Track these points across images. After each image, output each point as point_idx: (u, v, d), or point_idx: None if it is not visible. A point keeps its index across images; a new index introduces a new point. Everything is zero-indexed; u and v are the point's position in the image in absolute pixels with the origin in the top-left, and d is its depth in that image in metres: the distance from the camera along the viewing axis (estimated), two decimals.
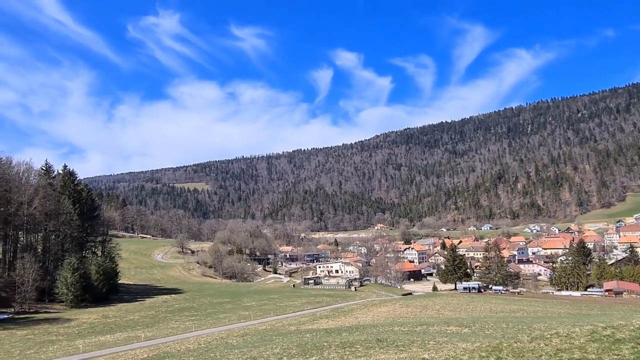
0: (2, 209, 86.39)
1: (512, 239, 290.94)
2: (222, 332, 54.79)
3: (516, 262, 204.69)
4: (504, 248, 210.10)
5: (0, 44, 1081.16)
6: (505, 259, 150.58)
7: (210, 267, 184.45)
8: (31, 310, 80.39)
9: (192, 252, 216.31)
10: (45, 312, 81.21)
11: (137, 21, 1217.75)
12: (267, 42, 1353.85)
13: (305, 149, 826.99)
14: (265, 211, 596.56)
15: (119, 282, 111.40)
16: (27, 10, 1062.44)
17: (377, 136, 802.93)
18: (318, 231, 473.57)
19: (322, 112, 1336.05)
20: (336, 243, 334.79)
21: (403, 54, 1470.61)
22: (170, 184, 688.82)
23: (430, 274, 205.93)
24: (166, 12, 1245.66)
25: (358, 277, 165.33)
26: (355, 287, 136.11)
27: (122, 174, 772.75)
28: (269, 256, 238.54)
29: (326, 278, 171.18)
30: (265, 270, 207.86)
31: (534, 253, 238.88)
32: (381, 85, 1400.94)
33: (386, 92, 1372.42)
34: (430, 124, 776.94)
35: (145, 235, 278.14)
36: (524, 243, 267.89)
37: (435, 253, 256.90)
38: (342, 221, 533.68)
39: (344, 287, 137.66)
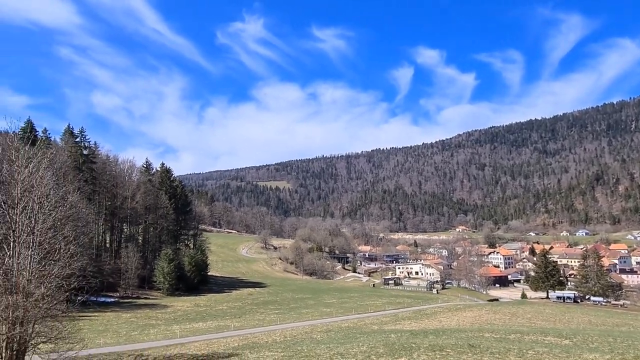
0: (109, 203, 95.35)
1: (612, 246, 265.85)
2: (306, 327, 56.10)
3: (617, 271, 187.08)
4: (603, 256, 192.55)
5: (109, 54, 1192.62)
6: (605, 268, 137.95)
7: (291, 263, 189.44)
8: (133, 296, 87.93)
9: (275, 248, 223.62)
10: (145, 298, 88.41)
11: (226, 27, 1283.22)
12: (347, 42, 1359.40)
13: (385, 148, 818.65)
14: (344, 210, 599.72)
15: (208, 274, 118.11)
16: (131, 23, 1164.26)
17: (460, 135, 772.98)
18: (397, 232, 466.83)
19: (402, 111, 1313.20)
20: (415, 244, 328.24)
21: (489, 49, 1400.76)
22: (254, 182, 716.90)
23: (518, 281, 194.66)
24: (251, 18, 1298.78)
25: (439, 279, 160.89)
26: (437, 290, 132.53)
27: (210, 172, 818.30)
28: (348, 255, 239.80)
29: (406, 279, 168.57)
30: (344, 268, 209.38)
31: (638, 262, 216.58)
32: (464, 82, 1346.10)
33: (469, 89, 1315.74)
34: (518, 121, 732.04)
35: (231, 231, 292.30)
36: (627, 251, 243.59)
37: (524, 258, 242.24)
38: (422, 222, 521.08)
39: (425, 289, 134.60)
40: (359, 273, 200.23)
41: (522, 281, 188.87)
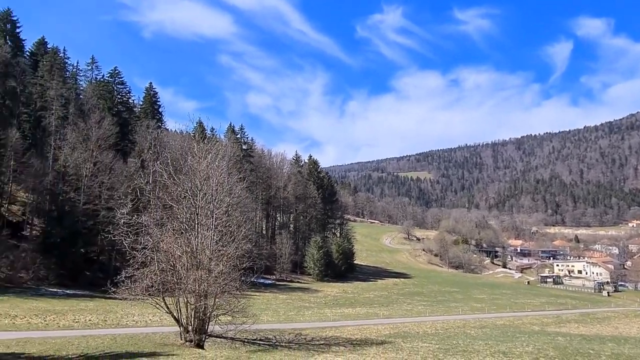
0: (264, 193, 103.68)
1: None
2: (457, 321, 53.85)
3: None
4: None
5: (260, 58, 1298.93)
6: None
7: (435, 255, 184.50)
8: (287, 279, 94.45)
9: (418, 239, 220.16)
10: (298, 282, 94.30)
11: (364, 21, 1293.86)
12: (492, 21, 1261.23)
13: (537, 134, 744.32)
14: (490, 201, 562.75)
15: (354, 262, 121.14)
16: (279, 27, 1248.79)
17: (632, 115, 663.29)
18: (553, 225, 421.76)
19: (558, 91, 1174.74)
20: (577, 240, 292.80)
21: None
22: (395, 173, 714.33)
23: None
24: (390, 8, 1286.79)
25: (609, 280, 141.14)
26: (608, 292, 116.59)
27: (351, 164, 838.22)
28: (497, 249, 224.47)
29: (567, 278, 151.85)
30: (493, 263, 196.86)
31: None
32: (638, 53, 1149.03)
33: None
34: None
35: (373, 221, 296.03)
36: None
37: None
38: (584, 215, 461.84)
39: (593, 291, 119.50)
40: (509, 269, 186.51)
41: None
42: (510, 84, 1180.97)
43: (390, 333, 42.11)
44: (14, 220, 66.27)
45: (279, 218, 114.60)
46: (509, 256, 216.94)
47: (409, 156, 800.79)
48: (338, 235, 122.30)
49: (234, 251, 26.15)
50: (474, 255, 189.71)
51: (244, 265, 27.20)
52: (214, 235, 26.10)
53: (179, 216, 26.84)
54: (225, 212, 27.40)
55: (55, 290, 54.68)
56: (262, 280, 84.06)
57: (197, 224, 26.33)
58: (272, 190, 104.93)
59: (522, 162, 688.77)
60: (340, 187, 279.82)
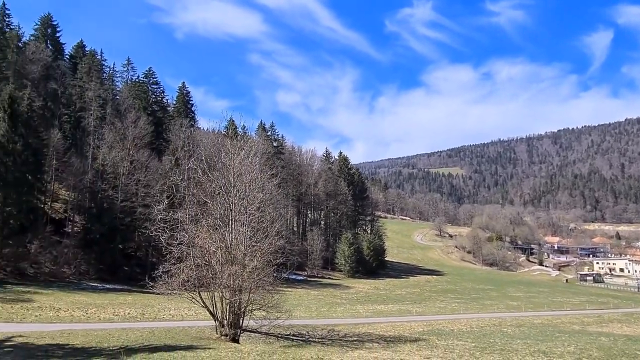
0: (295, 189, 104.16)
1: None
2: (493, 319, 52.67)
3: None
4: None
5: (290, 56, 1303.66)
6: None
7: (468, 252, 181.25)
8: (318, 275, 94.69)
9: (450, 235, 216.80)
10: (329, 278, 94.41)
11: (394, 15, 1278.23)
12: (526, 12, 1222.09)
13: (574, 128, 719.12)
14: (525, 197, 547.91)
15: (385, 259, 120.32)
16: (308, 24, 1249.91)
17: None
18: (592, 222, 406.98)
19: (597, 82, 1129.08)
20: (618, 237, 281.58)
21: None
22: (425, 169, 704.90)
23: None
24: (420, 2, 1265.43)
25: None
26: None
27: (381, 160, 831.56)
28: (532, 246, 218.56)
29: (607, 276, 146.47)
30: (528, 260, 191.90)
31: None
32: None
33: None
34: None
35: (404, 217, 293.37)
36: None
37: None
38: (625, 211, 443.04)
39: (636, 289, 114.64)
40: (546, 266, 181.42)
41: None
42: (546, 76, 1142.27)
43: (423, 330, 41.58)
44: (57, 217, 68.87)
45: (309, 215, 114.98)
46: (546, 253, 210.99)
47: (440, 152, 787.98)
48: (369, 231, 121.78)
49: (268, 247, 26.34)
50: (509, 253, 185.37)
51: (277, 261, 27.37)
52: (247, 231, 26.34)
53: (213, 212, 27.21)
54: (258, 209, 27.60)
55: (96, 284, 56.59)
56: (293, 277, 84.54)
57: (231, 219, 26.63)
58: (303, 187, 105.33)
59: (558, 157, 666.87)
60: (370, 184, 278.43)
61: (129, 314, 39.61)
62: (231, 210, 26.66)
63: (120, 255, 65.75)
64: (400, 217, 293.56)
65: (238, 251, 25.89)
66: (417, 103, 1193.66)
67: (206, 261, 26.43)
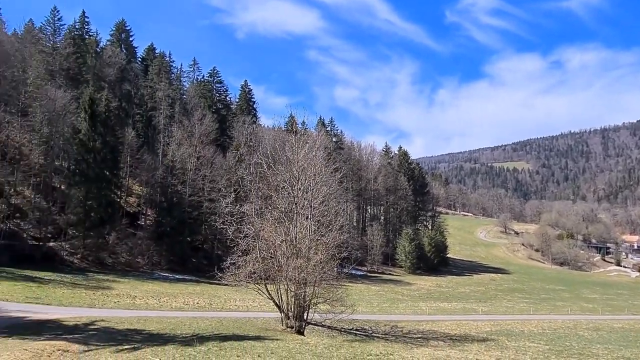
0: (355, 184, 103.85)
1: None
2: (567, 322, 49.72)
3: None
4: None
5: (347, 51, 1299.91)
6: None
7: (536, 250, 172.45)
8: (378, 271, 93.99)
9: (516, 233, 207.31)
10: (389, 274, 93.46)
11: (455, 5, 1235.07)
12: None
13: None
14: (599, 193, 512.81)
15: (447, 255, 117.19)
16: (365, 19, 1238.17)
17: None
18: None
19: None
20: None
21: None
22: (489, 164, 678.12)
23: None
24: None
25: None
26: None
27: (442, 155, 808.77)
28: (608, 245, 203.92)
29: None
30: (604, 260, 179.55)
31: None
32: None
33: None
34: None
35: (466, 214, 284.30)
36: None
37: None
38: None
39: None
40: (624, 267, 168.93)
41: None
42: (624, 62, 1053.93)
43: (491, 330, 40.06)
44: (131, 211, 73.28)
45: (369, 210, 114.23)
46: (624, 253, 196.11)
47: (505, 145, 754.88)
48: (429, 227, 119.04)
49: (332, 241, 26.40)
50: (581, 252, 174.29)
51: (342, 254, 27.40)
52: (312, 224, 26.55)
53: (278, 206, 27.68)
54: (322, 202, 27.73)
55: (167, 274, 59.63)
56: (354, 272, 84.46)
57: (296, 213, 26.95)
58: (363, 182, 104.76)
59: (638, 149, 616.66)
60: (430, 179, 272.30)
61: (198, 303, 41.32)
62: (295, 204, 26.99)
63: (189, 248, 68.85)
64: (462, 213, 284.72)
65: (303, 244, 26.16)
66: (480, 95, 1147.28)
67: (271, 254, 26.96)
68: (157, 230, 67.17)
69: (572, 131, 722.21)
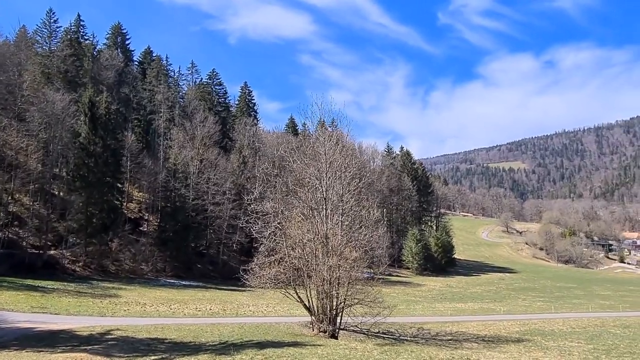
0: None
1: None
2: (592, 319, 47.97)
3: None
4: None
5: (339, 54, 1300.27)
6: None
7: (540, 249, 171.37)
8: (385, 273, 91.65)
9: (518, 232, 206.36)
10: (397, 276, 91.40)
11: (446, 6, 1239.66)
12: None
13: None
14: (595, 191, 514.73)
15: (453, 256, 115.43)
16: (357, 21, 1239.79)
17: None
18: None
19: None
20: None
21: None
22: (484, 164, 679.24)
23: None
24: None
25: None
26: None
27: (437, 156, 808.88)
28: (611, 242, 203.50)
29: None
30: (607, 257, 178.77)
31: None
32: None
33: None
34: None
35: (466, 214, 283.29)
36: None
37: None
38: None
39: None
40: (628, 263, 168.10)
41: None
42: (617, 61, 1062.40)
43: (520, 330, 38.26)
44: (132, 217, 70.96)
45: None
46: (626, 249, 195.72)
47: (500, 146, 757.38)
48: (434, 228, 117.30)
49: (365, 237, 24.53)
50: (585, 249, 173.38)
51: (374, 253, 25.56)
52: (344, 220, 24.68)
53: (304, 201, 25.78)
54: (352, 197, 25.90)
55: (173, 281, 57.41)
56: (358, 274, 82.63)
57: (326, 209, 25.06)
58: (366, 183, 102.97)
59: (632, 147, 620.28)
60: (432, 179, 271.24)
61: (211, 309, 39.28)
62: (325, 198, 25.09)
63: (194, 253, 66.63)
64: (462, 213, 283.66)
65: (335, 241, 24.25)
66: (474, 96, 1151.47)
67: (299, 253, 25.04)
68: (161, 236, 64.92)
69: (566, 130, 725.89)
